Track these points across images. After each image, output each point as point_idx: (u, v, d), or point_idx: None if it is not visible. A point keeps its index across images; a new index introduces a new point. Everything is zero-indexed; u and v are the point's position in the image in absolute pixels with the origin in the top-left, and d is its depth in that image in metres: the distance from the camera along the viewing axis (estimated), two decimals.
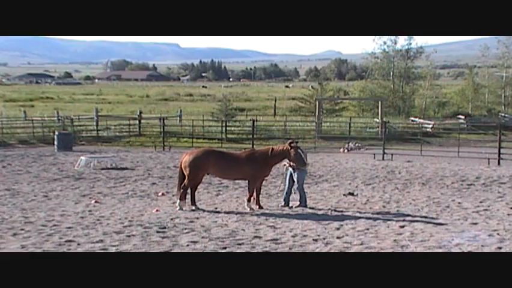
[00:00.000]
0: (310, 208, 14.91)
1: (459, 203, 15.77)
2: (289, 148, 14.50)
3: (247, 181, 14.93)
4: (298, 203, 14.97)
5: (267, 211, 14.44)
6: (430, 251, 10.72)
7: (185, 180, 14.44)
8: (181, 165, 14.71)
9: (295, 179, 14.96)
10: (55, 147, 28.41)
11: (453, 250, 10.80)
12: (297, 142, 15.07)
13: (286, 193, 15.18)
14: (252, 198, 14.69)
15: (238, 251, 10.72)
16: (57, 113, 39.73)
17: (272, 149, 14.74)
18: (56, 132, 29.57)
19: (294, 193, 15.08)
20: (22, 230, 12.16)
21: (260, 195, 14.97)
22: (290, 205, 14.95)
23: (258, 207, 14.65)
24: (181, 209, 14.38)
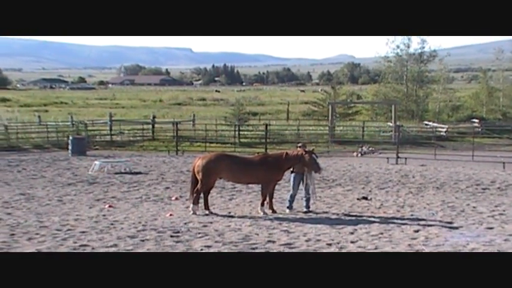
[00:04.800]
0: (324, 212, 14.88)
1: (474, 207, 15.66)
2: (304, 153, 14.47)
3: (260, 185, 14.93)
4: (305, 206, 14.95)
5: (281, 215, 14.42)
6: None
7: (199, 185, 14.46)
8: (194, 169, 14.73)
9: (308, 183, 14.85)
10: (69, 151, 28.57)
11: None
12: (305, 146, 15.10)
13: (292, 198, 15.10)
14: (265, 202, 14.68)
15: None
16: (71, 117, 39.92)
17: (286, 153, 14.71)
18: (70, 137, 29.72)
19: (308, 196, 14.94)
20: (37, 234, 12.23)
21: (273, 200, 14.96)
22: (305, 210, 14.90)
23: (271, 211, 14.64)
24: (194, 213, 14.39)
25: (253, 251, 11.01)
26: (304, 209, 14.87)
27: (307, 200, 14.92)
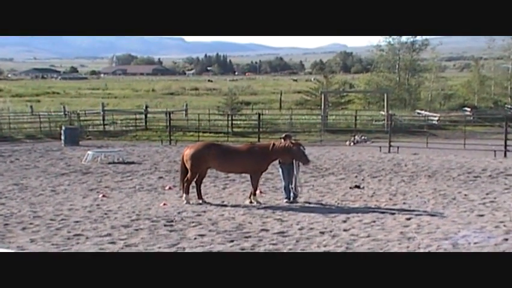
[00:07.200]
0: (317, 201, 14.97)
1: (465, 195, 15.79)
2: (292, 145, 14.49)
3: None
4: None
5: (274, 204, 14.50)
6: (437, 243, 10.77)
7: (188, 174, 14.52)
8: (182, 158, 14.78)
9: (294, 173, 14.84)
10: (62, 142, 28.54)
11: (460, 242, 10.85)
12: (290, 137, 15.13)
13: (286, 188, 15.07)
14: (256, 191, 14.76)
15: (245, 244, 10.80)
16: (64, 107, 39.85)
17: (273, 144, 14.74)
18: (63, 127, 29.69)
19: (293, 186, 14.91)
20: (31, 224, 12.29)
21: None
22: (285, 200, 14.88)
23: (250, 200, 14.61)
24: (188, 202, 14.46)
25: (246, 239, 11.11)
26: (285, 200, 14.87)
27: (290, 190, 14.91)
